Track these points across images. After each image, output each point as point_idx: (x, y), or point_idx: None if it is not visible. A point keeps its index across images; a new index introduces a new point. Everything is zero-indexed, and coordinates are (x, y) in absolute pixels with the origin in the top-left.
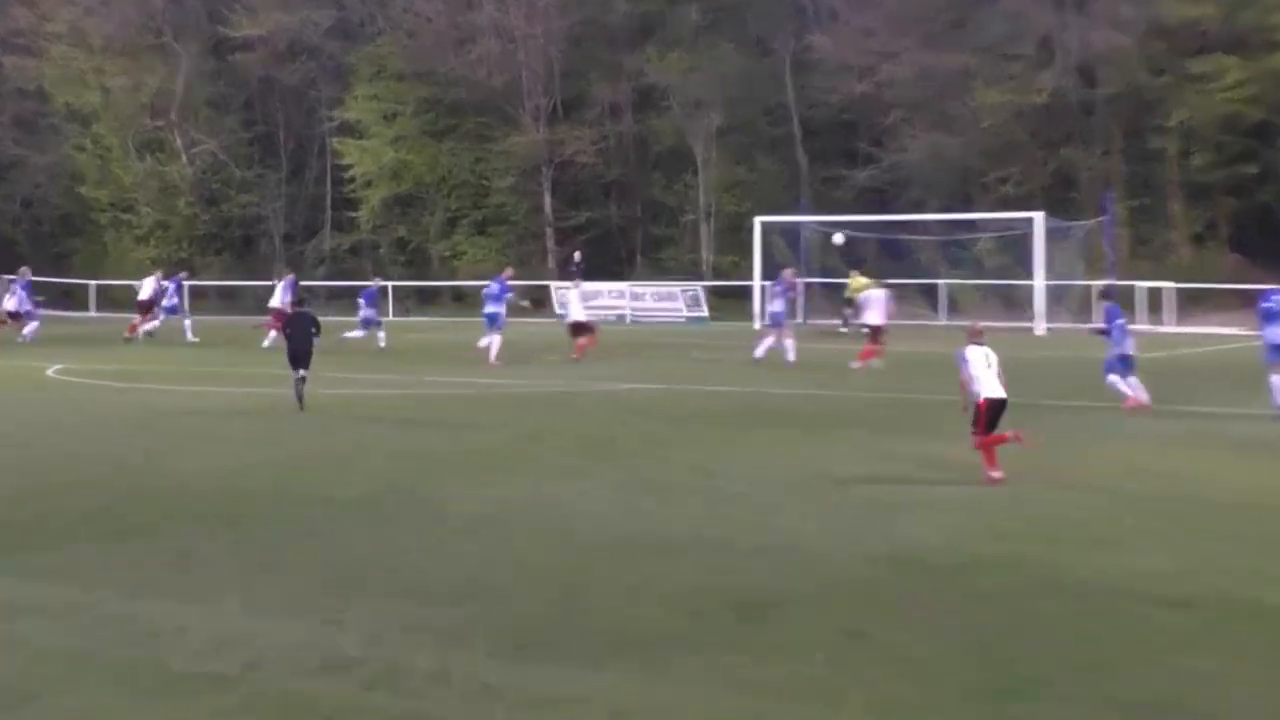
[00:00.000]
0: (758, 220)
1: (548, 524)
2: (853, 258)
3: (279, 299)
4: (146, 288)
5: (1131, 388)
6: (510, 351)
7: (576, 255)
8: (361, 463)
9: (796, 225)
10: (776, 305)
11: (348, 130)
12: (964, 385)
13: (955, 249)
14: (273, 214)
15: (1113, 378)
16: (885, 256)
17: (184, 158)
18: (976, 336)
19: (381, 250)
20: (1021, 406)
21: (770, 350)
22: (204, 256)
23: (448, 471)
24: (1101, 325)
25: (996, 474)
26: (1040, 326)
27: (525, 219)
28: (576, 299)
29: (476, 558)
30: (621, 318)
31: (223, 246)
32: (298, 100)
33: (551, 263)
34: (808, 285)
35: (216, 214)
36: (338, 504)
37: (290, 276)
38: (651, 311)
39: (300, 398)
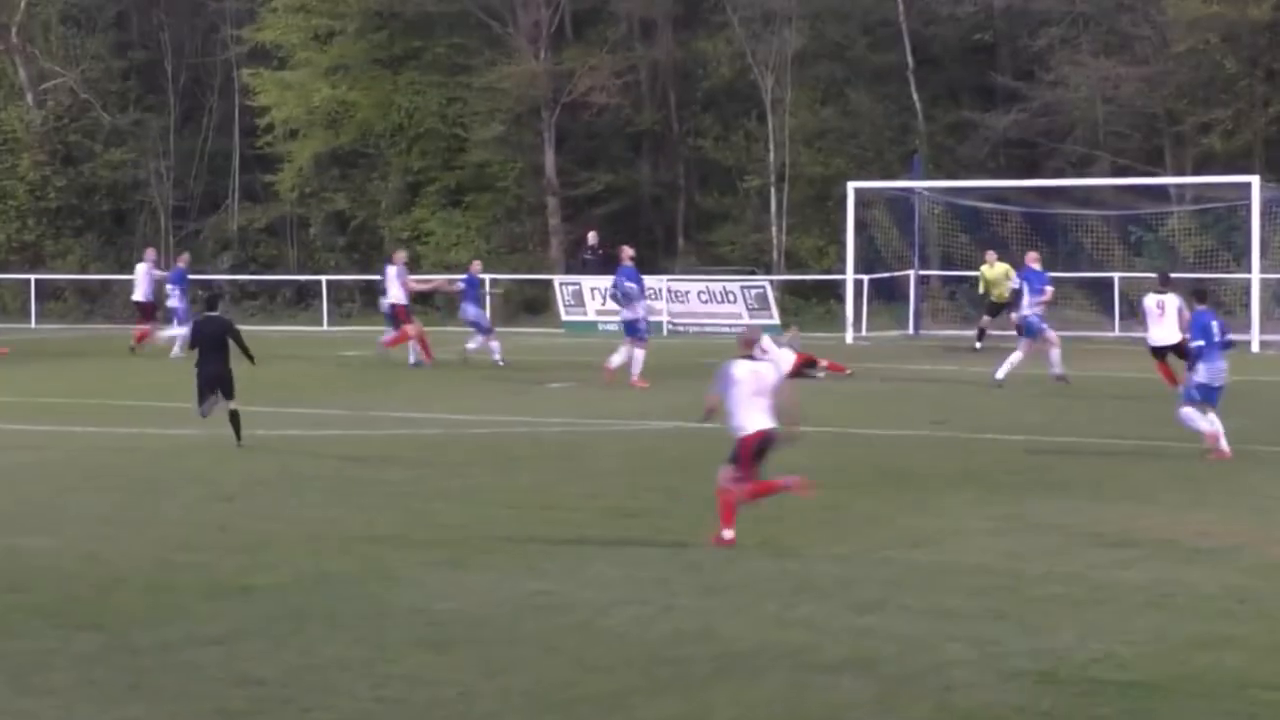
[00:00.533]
0: (851, 186)
1: (553, 632)
2: (984, 235)
3: (144, 291)
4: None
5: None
6: (500, 371)
7: (592, 237)
8: (287, 536)
9: (908, 193)
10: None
11: (262, 57)
12: (710, 408)
13: (1136, 228)
14: (156, 178)
15: (1187, 411)
16: (1034, 238)
17: (29, 97)
18: (748, 348)
19: (313, 230)
20: (1242, 454)
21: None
22: (58, 239)
23: (410, 553)
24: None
25: (728, 534)
26: (1256, 339)
27: (518, 185)
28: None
29: (448, 681)
30: (652, 328)
31: (85, 225)
32: (191, 14)
33: (556, 247)
34: (924, 278)
35: (76, 178)
36: (247, 598)
37: (180, 265)
38: (698, 318)
39: (237, 433)
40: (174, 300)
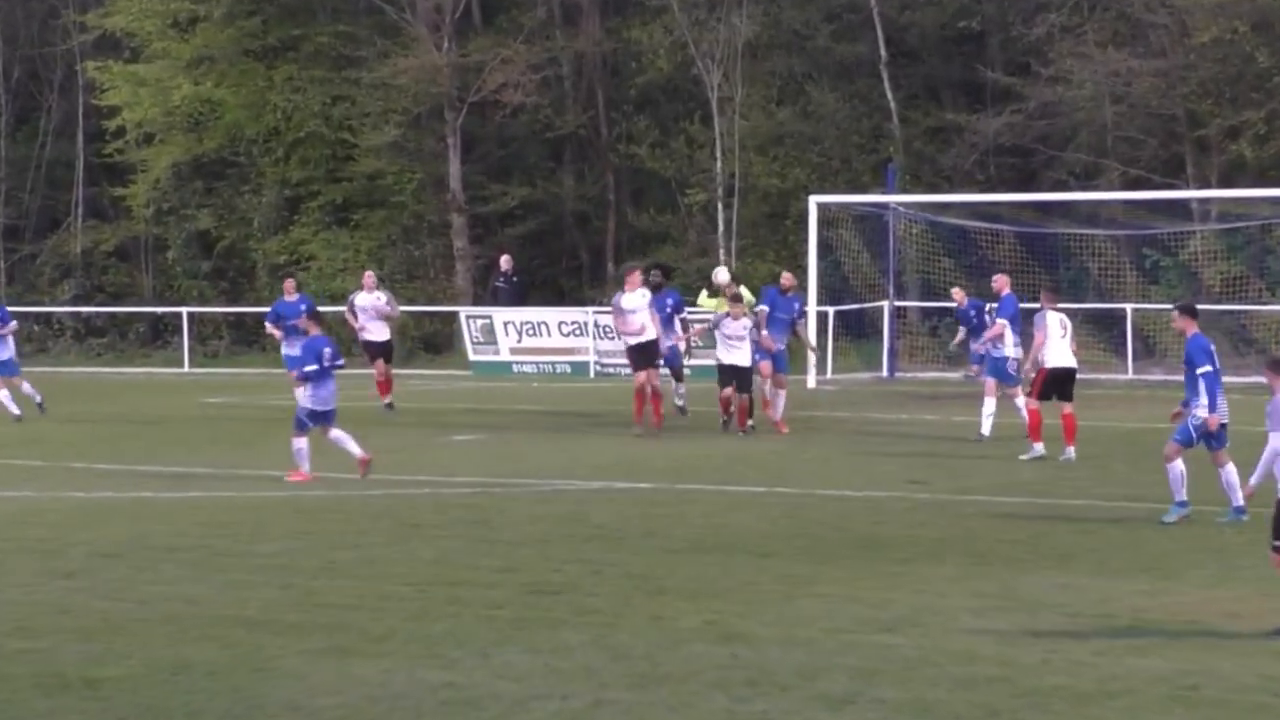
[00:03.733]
0: (813, 201)
1: None
2: (971, 259)
3: None
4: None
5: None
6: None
7: (505, 261)
8: (140, 619)
9: (881, 210)
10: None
11: (111, 48)
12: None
13: (1152, 251)
14: None
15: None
16: (1031, 262)
17: None
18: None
19: (171, 254)
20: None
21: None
22: None
23: (287, 639)
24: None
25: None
26: None
27: (417, 200)
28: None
29: None
30: (575, 369)
31: None
32: None
33: (463, 274)
34: (899, 310)
35: None
36: (92, 693)
37: None
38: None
39: None
40: None
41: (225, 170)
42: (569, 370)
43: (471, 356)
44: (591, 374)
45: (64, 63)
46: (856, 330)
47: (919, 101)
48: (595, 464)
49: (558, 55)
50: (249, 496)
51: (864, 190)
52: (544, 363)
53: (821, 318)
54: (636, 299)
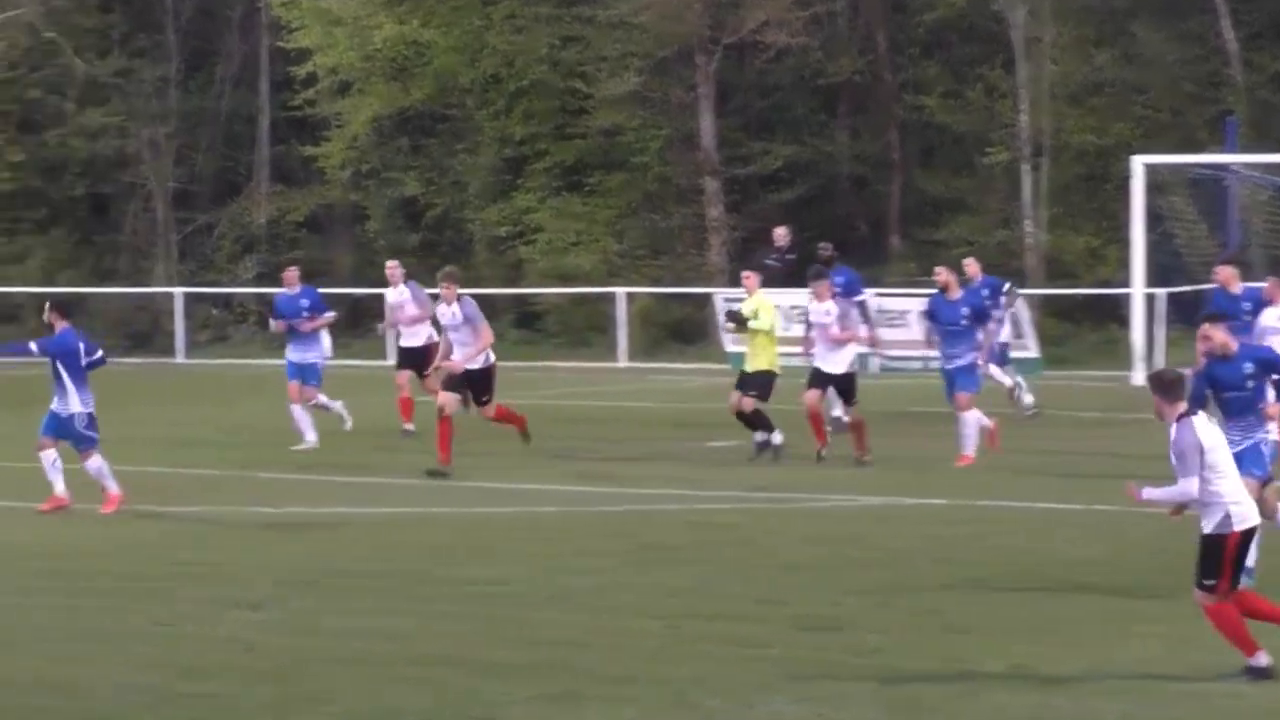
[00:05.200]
0: (1139, 162)
1: None
2: None
3: None
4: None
5: None
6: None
7: (781, 234)
8: (335, 658)
9: (1220, 172)
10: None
11: None
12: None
13: None
14: (151, 150)
15: None
16: None
17: None
18: None
19: (371, 226)
20: None
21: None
22: (12, 237)
23: (506, 682)
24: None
25: None
26: None
27: (663, 161)
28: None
29: None
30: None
31: (50, 217)
32: None
33: (718, 249)
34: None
35: (37, 151)
36: None
37: None
38: (919, 349)
39: None
40: None
41: (435, 125)
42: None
43: (729, 347)
44: (874, 369)
45: None
46: (1191, 316)
47: (1264, 42)
48: (879, 476)
49: None
50: (461, 513)
51: (1199, 149)
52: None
53: (1150, 301)
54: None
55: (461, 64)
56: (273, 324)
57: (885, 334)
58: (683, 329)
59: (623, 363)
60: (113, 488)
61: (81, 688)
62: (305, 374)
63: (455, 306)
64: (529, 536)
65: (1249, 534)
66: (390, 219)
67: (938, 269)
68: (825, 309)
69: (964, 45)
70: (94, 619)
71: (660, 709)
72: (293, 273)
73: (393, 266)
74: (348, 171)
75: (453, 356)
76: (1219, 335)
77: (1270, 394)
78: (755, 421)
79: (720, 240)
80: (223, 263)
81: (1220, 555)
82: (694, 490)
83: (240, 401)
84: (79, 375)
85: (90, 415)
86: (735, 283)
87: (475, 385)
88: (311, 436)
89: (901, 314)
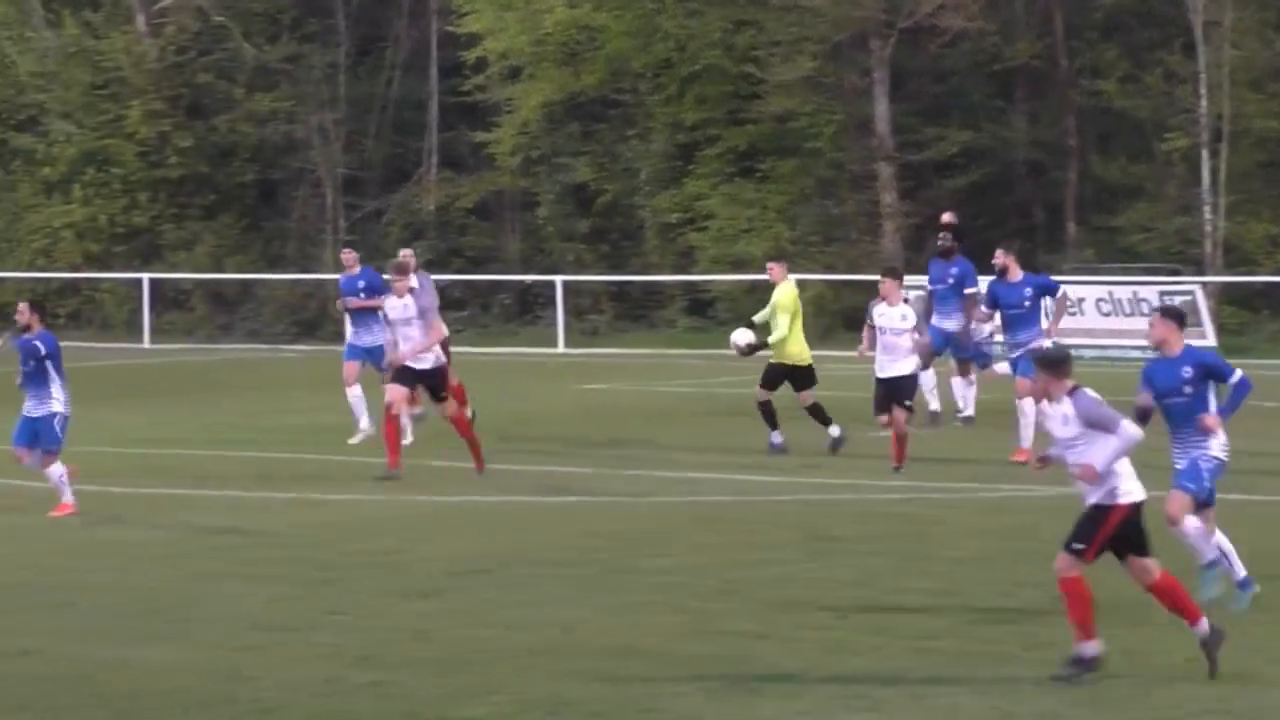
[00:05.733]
0: None
1: None
2: None
3: None
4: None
5: None
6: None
7: (947, 218)
8: (510, 648)
9: None
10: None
11: None
12: None
13: None
14: (320, 136)
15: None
16: None
17: (139, 20)
18: None
19: (541, 212)
20: None
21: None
22: (180, 223)
23: (683, 674)
24: None
25: None
26: None
27: (837, 147)
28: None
29: None
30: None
31: (219, 203)
32: None
33: (891, 235)
34: None
35: (206, 136)
36: None
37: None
38: (1096, 336)
39: None
40: None
41: (606, 111)
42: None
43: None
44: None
45: None
46: None
47: None
48: (1056, 468)
49: None
50: (637, 503)
51: None
52: (991, 343)
53: None
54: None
55: (633, 49)
56: (340, 304)
57: (1067, 321)
58: (855, 316)
59: None
60: (68, 496)
61: (253, 676)
62: (371, 356)
63: (408, 299)
64: (701, 526)
65: (1135, 510)
66: (560, 205)
67: (997, 252)
68: (900, 314)
69: (1142, 29)
70: (266, 608)
71: (831, 700)
72: (350, 254)
73: (405, 256)
74: (517, 157)
75: (400, 350)
76: (1159, 329)
77: (1213, 404)
78: (818, 415)
79: (894, 227)
80: (390, 249)
81: (1100, 525)
82: (864, 480)
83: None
84: (63, 375)
85: (67, 417)
86: (913, 270)
87: (427, 383)
88: (365, 423)
89: (1077, 301)
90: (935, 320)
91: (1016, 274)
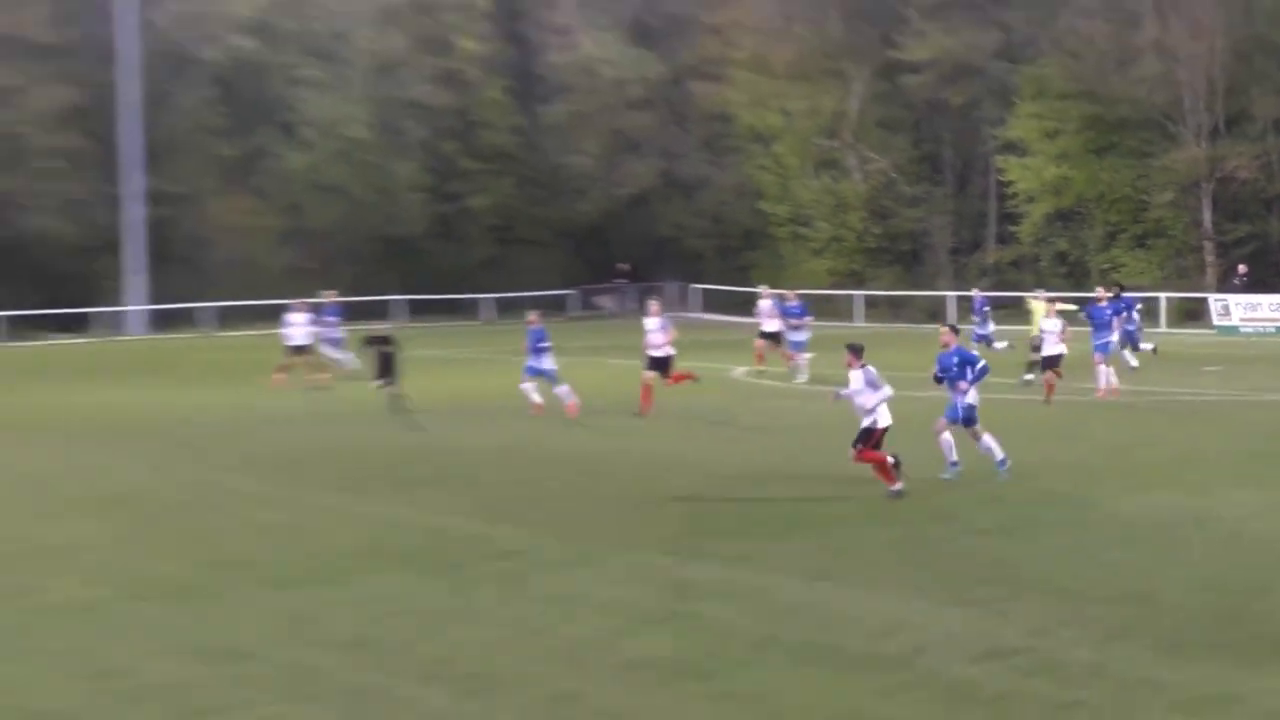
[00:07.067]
0: None
1: (1208, 533)
2: None
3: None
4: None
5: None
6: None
7: (1242, 268)
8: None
9: None
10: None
11: (1010, 148)
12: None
13: None
14: (938, 228)
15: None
16: None
17: (856, 175)
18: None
19: (1041, 263)
20: None
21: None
22: (874, 268)
23: (1097, 479)
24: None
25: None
26: None
27: (1183, 233)
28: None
29: (1132, 564)
30: None
31: (892, 259)
32: (963, 120)
33: (1210, 276)
34: None
35: (886, 228)
36: (987, 508)
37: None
38: None
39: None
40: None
41: (1073, 215)
42: (1274, 330)
43: (1215, 322)
44: None
45: (981, 157)
46: None
47: None
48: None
49: (1270, 150)
50: None
51: None
52: (1260, 326)
53: None
54: None
55: (1085, 187)
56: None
57: None
58: (1192, 313)
59: None
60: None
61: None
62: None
63: (656, 319)
64: None
65: (886, 430)
66: (1050, 261)
67: (1099, 288)
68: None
69: None
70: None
71: None
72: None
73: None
74: (1031, 238)
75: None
76: (945, 336)
77: (969, 375)
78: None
79: (1212, 272)
80: (970, 279)
81: (871, 436)
82: None
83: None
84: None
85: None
86: (1220, 292)
87: (660, 367)
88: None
89: None
90: None
91: (1103, 302)
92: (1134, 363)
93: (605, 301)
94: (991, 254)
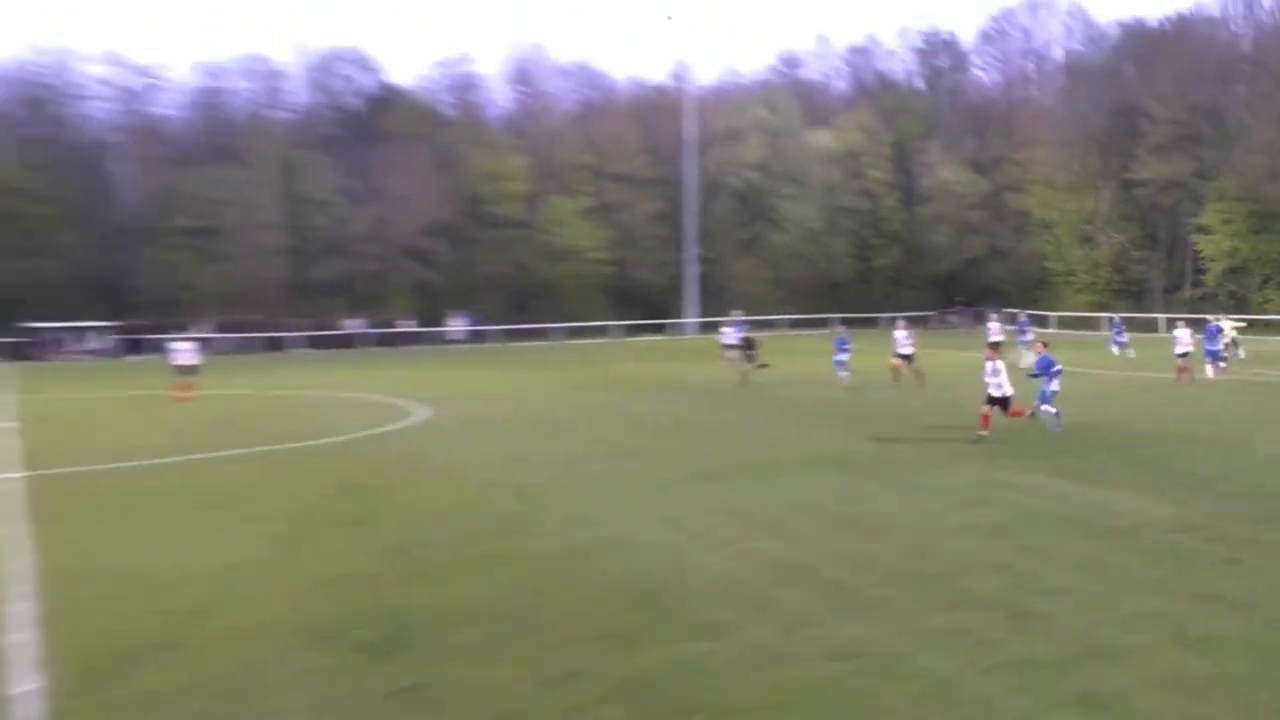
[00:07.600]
0: None
1: None
2: None
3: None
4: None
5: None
6: None
7: None
8: (1221, 418)
9: None
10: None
11: (1201, 229)
12: None
13: None
14: (1154, 278)
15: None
16: None
17: (1104, 246)
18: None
19: (1219, 298)
20: None
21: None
22: (1115, 301)
23: (1246, 428)
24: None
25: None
26: None
27: None
28: None
29: (1275, 478)
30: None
31: (1126, 296)
32: (1170, 214)
33: None
34: None
35: (1123, 277)
36: (1192, 440)
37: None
38: None
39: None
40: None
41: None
42: None
43: None
44: None
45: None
46: None
47: None
48: None
49: None
50: None
51: None
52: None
53: None
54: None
55: None
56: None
57: None
58: None
59: None
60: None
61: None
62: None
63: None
64: None
65: (1011, 396)
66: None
67: (1209, 316)
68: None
69: None
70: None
71: None
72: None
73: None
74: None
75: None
76: (1037, 348)
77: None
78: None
79: None
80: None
81: (1008, 401)
82: None
83: None
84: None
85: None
86: None
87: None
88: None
89: None
90: None
91: (1211, 323)
92: (1242, 354)
93: (952, 319)
94: (1188, 292)
